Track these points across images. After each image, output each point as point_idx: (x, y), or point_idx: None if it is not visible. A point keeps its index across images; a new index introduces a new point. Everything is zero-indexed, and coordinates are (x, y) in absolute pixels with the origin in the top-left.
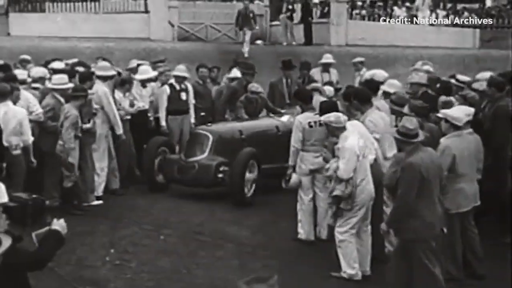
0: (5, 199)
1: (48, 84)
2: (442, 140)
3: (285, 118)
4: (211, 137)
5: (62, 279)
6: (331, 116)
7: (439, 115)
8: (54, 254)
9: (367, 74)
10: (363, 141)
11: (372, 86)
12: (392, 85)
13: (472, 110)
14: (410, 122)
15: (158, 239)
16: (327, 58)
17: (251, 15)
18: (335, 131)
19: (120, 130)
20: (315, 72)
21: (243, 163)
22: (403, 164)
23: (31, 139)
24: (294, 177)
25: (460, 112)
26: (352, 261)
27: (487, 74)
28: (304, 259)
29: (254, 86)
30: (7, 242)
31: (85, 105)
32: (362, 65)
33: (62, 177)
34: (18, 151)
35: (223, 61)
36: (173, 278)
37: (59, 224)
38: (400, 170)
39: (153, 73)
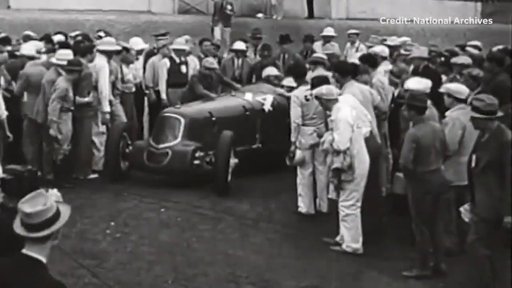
0: (0, 172)
1: (53, 59)
2: (448, 113)
3: (249, 96)
4: (182, 120)
5: (63, 252)
6: (322, 89)
7: (442, 90)
8: None
9: (374, 49)
10: (356, 112)
11: (371, 60)
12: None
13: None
14: (489, 98)
15: (158, 212)
16: (328, 31)
17: (229, 8)
18: (327, 103)
19: (106, 108)
20: (317, 46)
21: (227, 148)
22: (502, 143)
23: (4, 113)
24: (299, 153)
25: (462, 87)
26: (357, 235)
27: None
28: (305, 232)
29: (208, 61)
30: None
31: (84, 78)
32: (357, 37)
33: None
34: None
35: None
36: (173, 252)
37: (53, 195)
38: (496, 148)
39: (145, 45)
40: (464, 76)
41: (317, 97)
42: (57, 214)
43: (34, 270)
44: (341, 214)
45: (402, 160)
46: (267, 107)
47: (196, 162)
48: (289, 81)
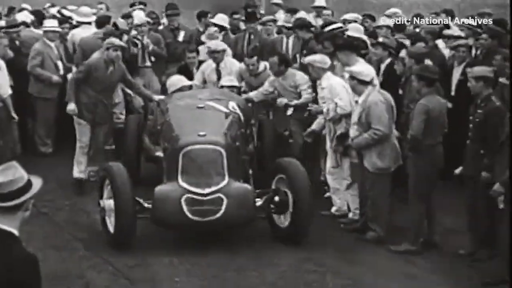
0: None
1: (40, 30)
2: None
3: (221, 107)
4: (224, 152)
5: (57, 225)
6: (316, 56)
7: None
8: None
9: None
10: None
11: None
12: (358, 30)
13: None
14: None
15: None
16: (319, 2)
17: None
18: (318, 72)
19: None
20: (309, 18)
21: (307, 180)
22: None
23: (8, 92)
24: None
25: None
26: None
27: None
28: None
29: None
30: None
31: None
32: (323, 10)
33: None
34: None
35: (222, 6)
36: None
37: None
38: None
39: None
40: (464, 50)
41: (310, 64)
42: (28, 185)
43: (5, 242)
44: (343, 184)
45: (413, 132)
46: (242, 117)
47: (259, 203)
48: (229, 80)
